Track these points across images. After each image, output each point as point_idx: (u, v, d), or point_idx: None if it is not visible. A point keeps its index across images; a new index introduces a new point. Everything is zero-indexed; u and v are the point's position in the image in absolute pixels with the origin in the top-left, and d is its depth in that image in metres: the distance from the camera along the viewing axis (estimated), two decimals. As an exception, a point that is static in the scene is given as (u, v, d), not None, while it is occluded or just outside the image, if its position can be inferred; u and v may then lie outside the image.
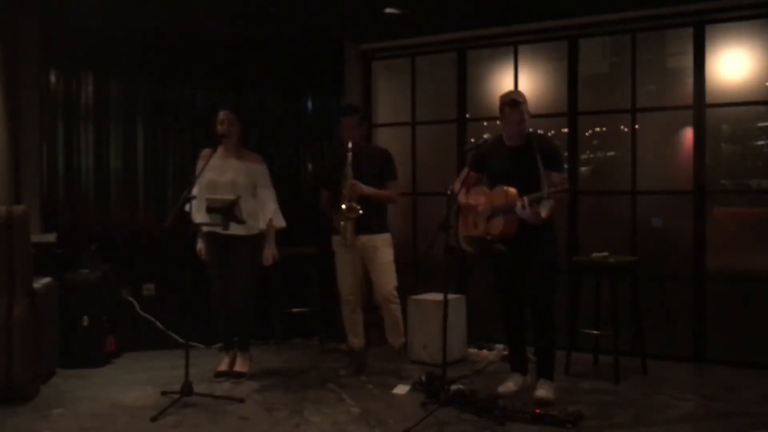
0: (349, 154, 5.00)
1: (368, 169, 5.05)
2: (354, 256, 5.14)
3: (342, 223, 5.06)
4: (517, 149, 4.41)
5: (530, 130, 4.47)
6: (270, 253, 5.09)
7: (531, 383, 4.63)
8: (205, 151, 4.95)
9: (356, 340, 5.26)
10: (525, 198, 4.17)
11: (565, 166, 4.92)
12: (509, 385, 4.62)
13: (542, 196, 4.11)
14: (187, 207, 4.65)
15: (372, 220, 5.04)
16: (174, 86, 6.17)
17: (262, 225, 5.05)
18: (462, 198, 4.55)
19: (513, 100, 4.40)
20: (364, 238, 5.07)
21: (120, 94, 6.01)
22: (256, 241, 5.04)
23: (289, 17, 5.81)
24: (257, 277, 5.18)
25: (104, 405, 4.48)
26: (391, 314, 5.17)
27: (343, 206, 5.01)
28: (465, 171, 4.62)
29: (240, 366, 5.11)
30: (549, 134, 6.27)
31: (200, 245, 5.11)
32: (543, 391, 4.41)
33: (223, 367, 5.13)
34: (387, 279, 5.11)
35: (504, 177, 4.39)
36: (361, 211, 4.97)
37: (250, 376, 5.07)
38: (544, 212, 4.16)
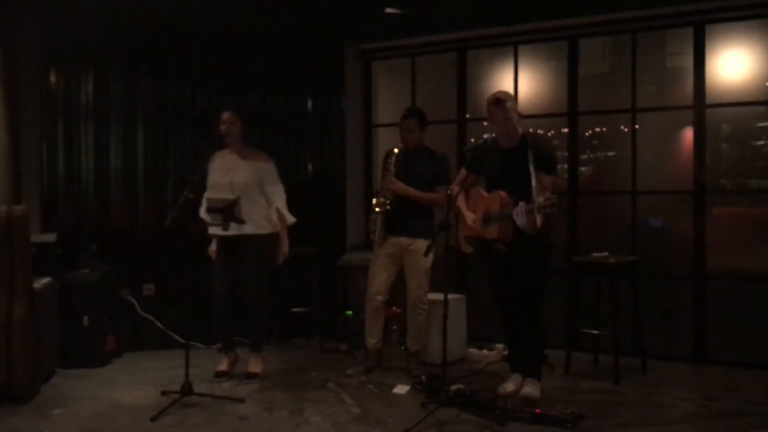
0: (394, 155, 5.04)
1: (420, 172, 5.03)
2: (392, 256, 5.11)
3: (372, 216, 5.09)
4: (511, 151, 4.40)
5: (530, 130, 4.46)
6: (283, 250, 5.09)
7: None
8: (213, 154, 5.01)
9: (373, 340, 5.22)
10: (522, 206, 4.16)
11: (559, 166, 4.85)
12: (509, 385, 4.62)
13: (532, 208, 4.11)
14: (201, 212, 4.71)
15: (413, 223, 5.01)
16: (174, 86, 6.17)
17: (273, 217, 5.05)
18: (459, 201, 4.56)
19: (496, 99, 4.40)
20: (404, 241, 5.05)
21: (120, 94, 6.01)
22: (266, 239, 5.04)
23: (289, 17, 5.81)
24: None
25: (104, 405, 4.48)
26: (415, 319, 5.15)
27: (374, 200, 5.07)
28: (462, 172, 4.62)
29: (253, 366, 5.10)
30: (549, 134, 6.28)
31: (213, 247, 5.12)
32: (529, 389, 4.42)
33: (223, 367, 5.13)
34: (420, 284, 5.09)
35: (497, 179, 4.40)
36: (388, 206, 4.98)
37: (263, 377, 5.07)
38: (539, 220, 4.15)
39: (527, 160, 4.23)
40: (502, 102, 4.37)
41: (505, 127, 4.39)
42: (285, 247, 5.09)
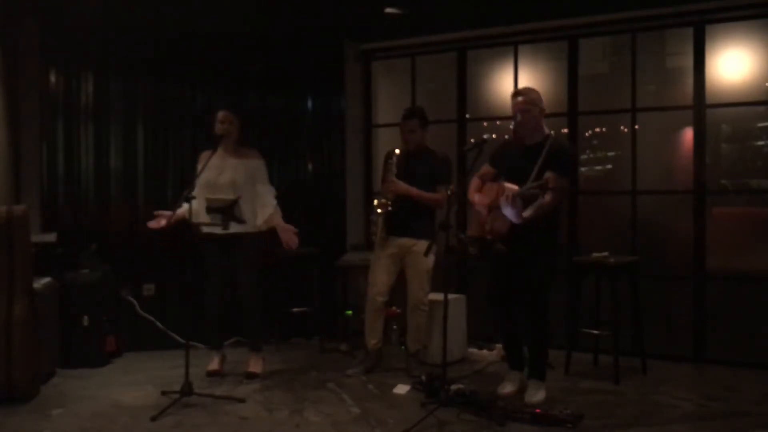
0: (395, 155, 5.04)
1: (422, 172, 5.03)
2: (393, 257, 5.11)
3: (373, 218, 5.09)
4: (531, 148, 4.38)
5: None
6: (289, 234, 4.98)
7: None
8: (205, 153, 4.95)
9: (373, 341, 5.22)
10: (510, 193, 4.16)
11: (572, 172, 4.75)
12: (508, 386, 4.62)
13: (522, 192, 4.11)
14: (184, 207, 4.65)
15: (415, 224, 5.00)
16: (174, 86, 6.17)
17: (259, 222, 5.03)
18: (472, 193, 4.54)
19: (516, 91, 4.47)
20: (407, 241, 5.04)
21: (120, 94, 6.01)
22: (257, 238, 5.04)
23: (289, 17, 5.81)
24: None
25: (104, 405, 4.48)
26: (416, 320, 5.15)
27: (375, 201, 5.06)
28: (484, 167, 4.62)
29: (253, 366, 5.11)
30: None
31: (163, 222, 4.83)
32: (535, 398, 4.41)
33: (214, 366, 5.14)
34: (421, 285, 5.08)
35: (510, 174, 4.38)
36: (390, 208, 4.97)
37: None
38: (528, 212, 4.14)
39: (539, 158, 4.23)
40: (520, 94, 4.43)
41: (523, 118, 4.39)
42: (288, 229, 4.97)
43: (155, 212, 4.91)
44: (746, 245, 5.72)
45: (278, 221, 5.02)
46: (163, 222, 4.81)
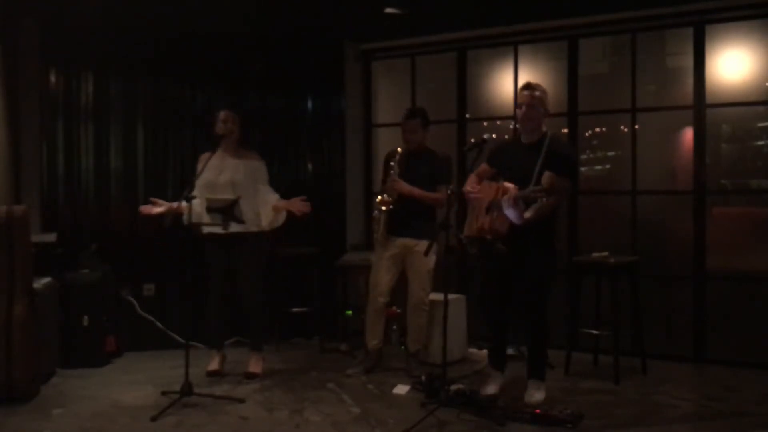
0: (398, 155, 5.04)
1: (423, 172, 5.03)
2: (395, 258, 5.10)
3: (375, 215, 5.09)
4: (529, 146, 4.38)
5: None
6: (297, 203, 4.89)
7: (510, 380, 4.65)
8: (204, 155, 4.95)
9: (374, 341, 5.22)
10: (512, 193, 4.16)
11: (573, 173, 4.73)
12: (491, 387, 4.59)
13: (517, 196, 4.11)
14: (184, 205, 4.65)
15: (416, 223, 5.00)
16: (174, 86, 6.17)
17: (265, 223, 5.03)
18: (468, 187, 4.54)
19: (528, 84, 4.46)
20: (408, 242, 5.04)
21: (120, 94, 6.01)
22: (258, 238, 5.04)
23: (290, 17, 5.81)
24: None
25: (104, 405, 4.48)
26: (417, 320, 5.16)
27: (379, 198, 5.06)
28: (482, 166, 4.62)
29: (253, 366, 5.11)
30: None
31: (156, 209, 4.90)
32: (535, 397, 4.40)
33: (214, 366, 5.14)
34: (422, 286, 5.09)
35: (509, 173, 4.37)
36: (392, 206, 4.97)
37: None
38: (528, 213, 4.14)
39: (538, 158, 4.23)
40: (531, 88, 4.42)
41: (528, 113, 4.38)
42: (298, 203, 4.91)
43: (152, 198, 4.95)
44: (746, 245, 5.72)
45: (283, 203, 4.99)
46: (156, 209, 4.87)
